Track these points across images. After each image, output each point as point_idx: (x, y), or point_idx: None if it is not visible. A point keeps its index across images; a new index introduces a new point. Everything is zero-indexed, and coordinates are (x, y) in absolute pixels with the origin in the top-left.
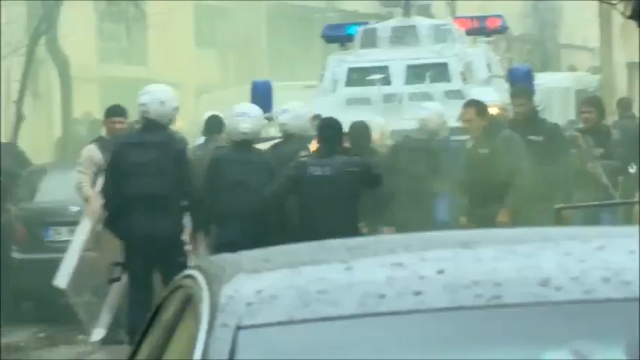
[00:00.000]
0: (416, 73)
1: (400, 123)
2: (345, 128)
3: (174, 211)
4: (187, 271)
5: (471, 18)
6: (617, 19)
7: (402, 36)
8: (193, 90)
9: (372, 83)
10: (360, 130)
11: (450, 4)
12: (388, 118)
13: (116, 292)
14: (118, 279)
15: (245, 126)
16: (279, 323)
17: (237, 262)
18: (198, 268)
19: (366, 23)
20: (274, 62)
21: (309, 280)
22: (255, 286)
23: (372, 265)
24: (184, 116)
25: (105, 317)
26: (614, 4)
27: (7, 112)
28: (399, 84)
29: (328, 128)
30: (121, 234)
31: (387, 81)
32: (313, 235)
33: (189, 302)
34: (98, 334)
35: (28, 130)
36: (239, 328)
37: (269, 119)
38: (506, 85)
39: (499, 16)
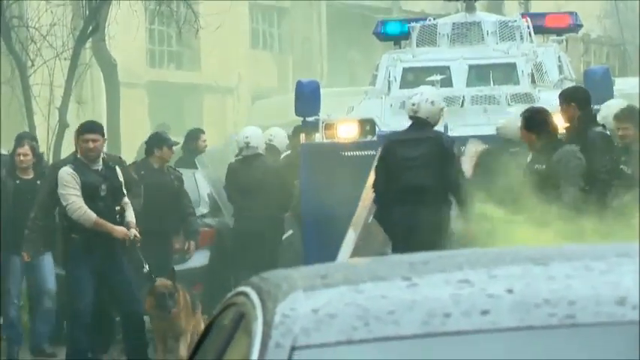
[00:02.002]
0: (479, 74)
1: (461, 129)
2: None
3: (437, 203)
4: (240, 288)
5: (541, 15)
6: None
7: (465, 33)
8: (249, 96)
9: (430, 84)
10: None
11: (524, 3)
12: (451, 124)
13: None
14: None
15: None
16: (337, 343)
17: (293, 278)
18: (251, 284)
19: (424, 20)
20: (334, 66)
21: (370, 297)
22: (311, 305)
23: (437, 281)
24: (240, 124)
25: None
26: None
27: (49, 119)
28: (460, 86)
29: None
30: (388, 226)
31: (447, 82)
32: None
33: (241, 320)
34: None
35: (71, 137)
36: (294, 348)
37: (314, 123)
38: None
39: (571, 13)
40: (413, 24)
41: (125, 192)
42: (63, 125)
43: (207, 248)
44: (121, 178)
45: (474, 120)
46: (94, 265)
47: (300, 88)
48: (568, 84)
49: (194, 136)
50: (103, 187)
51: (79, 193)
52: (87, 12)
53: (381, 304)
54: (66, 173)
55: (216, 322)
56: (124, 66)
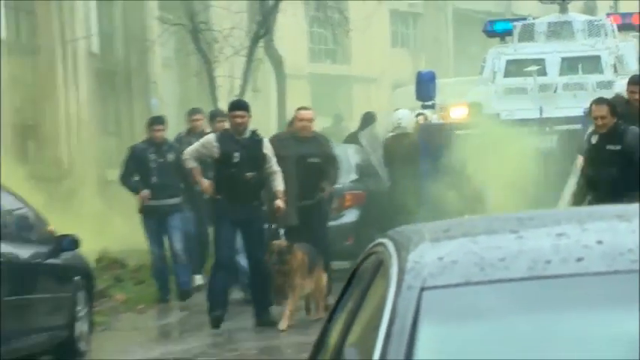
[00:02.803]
0: (570, 64)
1: (554, 111)
2: (507, 115)
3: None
4: (379, 240)
5: (622, 14)
6: None
7: (558, 30)
8: (389, 85)
9: (528, 74)
10: None
11: (614, 6)
12: (545, 107)
13: None
14: None
15: None
16: (458, 285)
17: (422, 232)
18: (388, 236)
19: (524, 19)
20: (458, 61)
21: (484, 247)
22: (437, 253)
23: (540, 234)
24: (382, 109)
25: None
26: None
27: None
28: (554, 75)
29: None
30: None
31: (542, 72)
32: None
33: (380, 266)
34: None
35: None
36: (423, 289)
37: (431, 107)
38: None
39: None
40: (515, 23)
41: (268, 162)
42: None
43: (357, 208)
44: (265, 150)
45: (565, 104)
46: (233, 222)
47: (419, 77)
48: None
49: (369, 119)
50: (236, 154)
51: (199, 150)
52: (260, 18)
53: (494, 253)
54: (206, 138)
55: (360, 268)
56: (289, 61)
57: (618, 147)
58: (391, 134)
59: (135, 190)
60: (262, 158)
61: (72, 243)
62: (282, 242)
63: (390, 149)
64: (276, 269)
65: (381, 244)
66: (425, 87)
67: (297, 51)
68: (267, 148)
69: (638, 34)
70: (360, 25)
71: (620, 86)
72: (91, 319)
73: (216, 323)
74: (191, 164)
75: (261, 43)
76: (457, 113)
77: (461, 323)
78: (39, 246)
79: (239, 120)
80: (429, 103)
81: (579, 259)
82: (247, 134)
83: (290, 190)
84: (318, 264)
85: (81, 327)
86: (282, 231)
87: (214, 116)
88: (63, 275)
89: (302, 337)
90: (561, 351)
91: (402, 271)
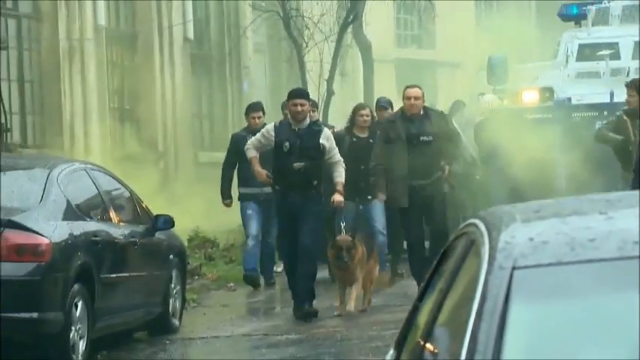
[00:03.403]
0: None
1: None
2: (578, 100)
3: None
4: (470, 220)
5: None
6: None
7: (633, 14)
8: (473, 69)
9: (601, 58)
10: None
11: None
12: (617, 91)
13: None
14: None
15: None
16: (549, 265)
17: (512, 212)
18: (479, 217)
19: (600, 2)
20: (541, 46)
21: (575, 228)
22: (528, 234)
23: (629, 215)
24: (465, 92)
25: None
26: None
27: (320, 88)
28: (627, 59)
29: None
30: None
31: (615, 56)
32: None
33: (472, 246)
34: None
35: (336, 103)
36: (514, 268)
37: (503, 91)
38: None
39: None
40: (589, 7)
41: (327, 153)
42: (330, 93)
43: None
44: (322, 141)
45: None
46: (289, 210)
47: (490, 61)
48: None
49: (458, 106)
50: (287, 144)
51: (260, 140)
52: (348, 4)
53: (584, 233)
54: (266, 127)
55: (451, 248)
56: (376, 46)
57: None
58: (481, 118)
59: (223, 187)
60: (317, 148)
61: (167, 222)
62: (346, 238)
63: (481, 133)
64: (338, 265)
65: (473, 224)
66: (496, 71)
67: (384, 37)
68: (326, 139)
69: None
70: (445, 10)
71: None
72: (183, 297)
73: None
74: (251, 153)
75: (349, 29)
76: (529, 98)
77: (551, 302)
78: (136, 225)
79: (299, 108)
80: (501, 87)
81: None
82: (306, 123)
83: (401, 172)
84: (372, 256)
85: (174, 304)
86: (343, 224)
87: (249, 111)
88: (158, 254)
89: (388, 315)
90: None
91: (493, 251)
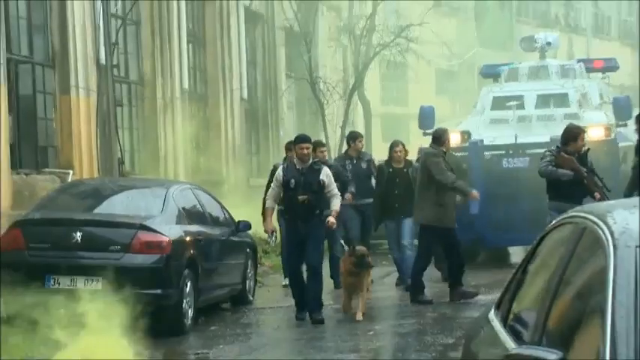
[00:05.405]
0: (544, 100)
1: (529, 137)
2: (490, 141)
3: None
4: (567, 215)
5: (591, 60)
6: None
7: (537, 73)
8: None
9: (509, 108)
10: None
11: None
12: (521, 134)
13: None
14: None
15: None
16: None
17: (615, 206)
18: (581, 211)
19: (511, 64)
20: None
21: None
22: (636, 220)
23: None
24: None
25: None
26: None
27: (336, 133)
28: (530, 108)
29: None
30: None
31: (521, 106)
32: None
33: (583, 233)
34: None
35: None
36: (637, 247)
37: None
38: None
39: (609, 59)
40: (503, 67)
41: (326, 187)
42: (342, 136)
43: None
44: (323, 176)
45: (538, 132)
46: (297, 236)
47: (421, 110)
48: (606, 107)
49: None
50: (292, 181)
51: (274, 188)
52: (356, 75)
53: None
54: (277, 172)
55: (547, 238)
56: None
57: None
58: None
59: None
60: (318, 184)
61: (246, 226)
62: (362, 248)
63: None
64: (349, 270)
65: (576, 217)
66: (426, 118)
67: (373, 97)
68: (325, 175)
69: (600, 74)
70: (414, 79)
71: (586, 118)
72: (255, 279)
73: (301, 320)
74: (268, 204)
75: (355, 92)
76: (452, 139)
77: None
78: (225, 227)
79: (306, 151)
80: (430, 131)
81: None
82: (308, 163)
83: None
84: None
85: (249, 284)
86: (342, 240)
87: (288, 145)
88: (239, 248)
89: (471, 311)
90: None
91: (613, 235)
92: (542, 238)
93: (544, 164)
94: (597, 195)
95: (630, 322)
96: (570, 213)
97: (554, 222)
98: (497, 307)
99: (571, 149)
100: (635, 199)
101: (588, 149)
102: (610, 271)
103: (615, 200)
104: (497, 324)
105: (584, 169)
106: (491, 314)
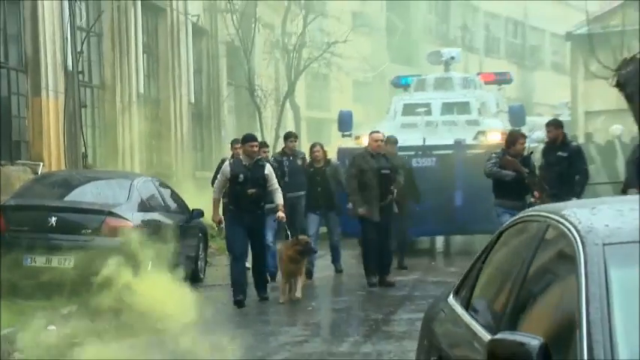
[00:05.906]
0: (448, 107)
1: (436, 140)
2: (401, 143)
3: None
4: (526, 214)
5: (488, 74)
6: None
7: (442, 84)
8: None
9: (418, 114)
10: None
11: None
12: (428, 138)
13: None
14: None
15: None
16: (628, 242)
17: (569, 206)
18: (541, 210)
19: (419, 76)
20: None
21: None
22: (601, 220)
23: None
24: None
25: None
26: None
27: (270, 133)
28: (436, 114)
29: None
30: None
31: (429, 113)
32: None
33: (546, 231)
34: None
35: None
36: (604, 244)
37: (349, 135)
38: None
39: (501, 73)
40: (413, 78)
41: (268, 181)
42: (277, 137)
43: None
44: (267, 171)
45: (443, 135)
46: (243, 226)
47: (340, 114)
48: (502, 115)
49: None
50: (241, 176)
51: (221, 180)
52: (289, 83)
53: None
54: (224, 165)
55: (506, 234)
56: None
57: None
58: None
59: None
60: (263, 178)
61: (199, 214)
62: (306, 237)
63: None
64: (291, 257)
65: (537, 215)
66: (344, 122)
67: (300, 103)
68: (269, 171)
69: (498, 86)
70: (338, 88)
71: (485, 124)
72: (205, 259)
73: (239, 305)
74: (215, 195)
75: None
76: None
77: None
78: (181, 214)
79: (255, 148)
80: (347, 133)
81: None
82: (254, 160)
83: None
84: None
85: (201, 264)
86: (288, 231)
87: (233, 143)
88: (192, 232)
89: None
90: None
91: (580, 233)
92: (500, 234)
93: (489, 165)
94: (537, 193)
95: (604, 312)
96: (529, 212)
97: (513, 219)
98: (457, 292)
99: (513, 152)
100: (588, 201)
101: (531, 152)
102: (581, 266)
103: (570, 201)
104: (458, 308)
105: (526, 170)
106: (451, 299)
